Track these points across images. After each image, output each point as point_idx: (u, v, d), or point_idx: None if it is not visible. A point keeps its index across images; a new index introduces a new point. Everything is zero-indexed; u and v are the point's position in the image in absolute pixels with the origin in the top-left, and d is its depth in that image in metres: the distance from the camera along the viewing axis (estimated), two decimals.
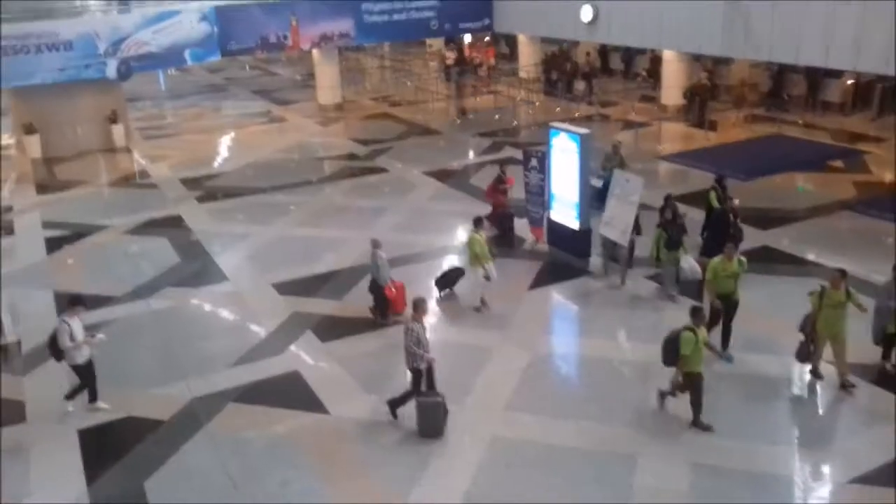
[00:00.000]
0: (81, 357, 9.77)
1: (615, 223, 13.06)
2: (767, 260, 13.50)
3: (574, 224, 13.64)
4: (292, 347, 11.56)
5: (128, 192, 19.88)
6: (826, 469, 8.56)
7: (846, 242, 14.37)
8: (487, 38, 36.14)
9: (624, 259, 13.07)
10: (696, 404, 9.13)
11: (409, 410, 9.45)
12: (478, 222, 12.70)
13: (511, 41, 36.00)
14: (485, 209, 17.09)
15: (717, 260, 10.46)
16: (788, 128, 22.91)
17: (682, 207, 13.07)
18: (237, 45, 25.25)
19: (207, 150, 24.20)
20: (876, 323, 10.15)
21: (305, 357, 11.31)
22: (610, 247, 13.31)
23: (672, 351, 9.05)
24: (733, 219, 12.89)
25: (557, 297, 12.95)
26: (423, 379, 9.49)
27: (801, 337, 9.84)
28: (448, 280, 13.05)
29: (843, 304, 9.61)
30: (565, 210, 13.79)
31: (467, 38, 35.25)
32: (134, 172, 21.95)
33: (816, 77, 24.42)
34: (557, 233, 14.14)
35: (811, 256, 13.80)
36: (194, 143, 25.00)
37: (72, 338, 9.56)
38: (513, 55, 35.11)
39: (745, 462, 8.59)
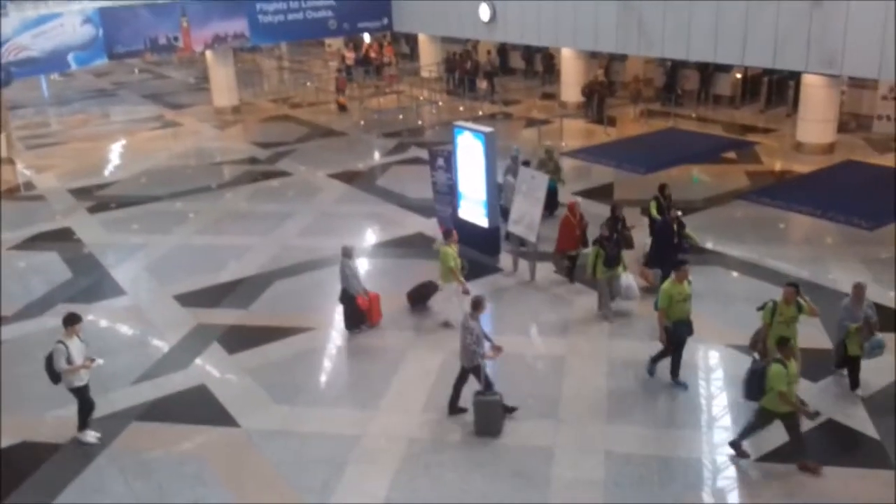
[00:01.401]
0: (79, 381, 9.09)
1: (523, 220, 13.15)
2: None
3: (483, 222, 13.67)
4: (198, 360, 11.12)
5: (12, 206, 18.71)
6: (731, 449, 8.78)
7: (742, 230, 14.97)
8: (387, 37, 36.03)
9: (533, 255, 13.18)
10: (797, 442, 8.30)
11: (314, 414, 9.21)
12: (448, 234, 11.99)
13: (412, 40, 35.99)
14: (390, 210, 17.03)
15: (668, 284, 9.65)
16: (683, 121, 23.76)
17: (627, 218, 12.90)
18: (124, 48, 24.25)
19: (97, 159, 23.12)
20: (835, 345, 9.78)
21: (212, 370, 10.90)
22: (517, 243, 13.40)
23: (756, 385, 8.19)
24: (677, 229, 12.40)
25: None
26: (481, 376, 9.22)
27: (754, 355, 9.35)
28: (421, 294, 12.44)
29: (795, 319, 9.16)
30: (474, 208, 13.81)
31: (366, 37, 35.07)
32: (18, 184, 20.72)
33: (708, 72, 25.39)
34: (467, 231, 14.12)
35: (709, 245, 14.28)
36: (83, 152, 23.85)
37: (69, 360, 8.88)
38: (413, 55, 35.09)
39: (657, 448, 8.77)
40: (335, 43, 40.52)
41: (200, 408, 9.94)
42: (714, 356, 10.64)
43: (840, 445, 8.73)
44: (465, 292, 11.34)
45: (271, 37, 29.19)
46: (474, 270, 13.55)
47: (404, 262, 14.23)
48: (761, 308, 9.37)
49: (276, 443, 9.16)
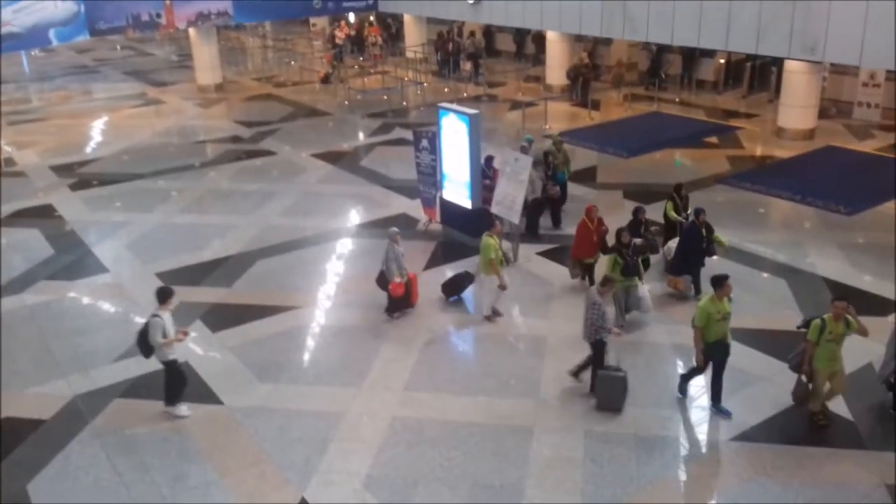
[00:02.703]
0: (173, 354, 9.14)
1: (507, 202, 13.22)
2: (649, 232, 13.99)
3: (467, 203, 13.74)
4: None
5: None
6: (708, 429, 8.98)
7: (722, 214, 15.06)
8: (372, 18, 35.82)
9: (515, 237, 13.27)
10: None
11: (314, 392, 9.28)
12: (490, 225, 11.58)
13: (397, 21, 35.79)
14: (374, 191, 17.05)
15: (706, 301, 8.82)
16: (666, 105, 23.88)
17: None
18: (106, 24, 23.98)
19: (79, 136, 22.94)
20: (882, 370, 9.26)
21: (195, 348, 10.90)
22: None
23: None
24: (705, 233, 11.75)
25: (452, 275, 13.01)
26: (603, 352, 9.28)
27: (801, 377, 8.83)
28: (455, 285, 12.08)
29: (843, 337, 8.52)
30: (457, 190, 13.86)
31: (351, 17, 34.86)
32: None
33: (691, 57, 25.48)
34: (450, 212, 14.21)
35: None
36: (64, 128, 23.64)
37: (164, 334, 8.89)
38: (399, 35, 34.92)
39: (634, 427, 8.92)
40: (320, 22, 40.25)
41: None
42: (678, 333, 10.75)
43: (813, 425, 8.91)
44: (503, 287, 11.13)
45: (255, 15, 28.97)
46: (458, 252, 13.66)
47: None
48: (804, 326, 8.72)
49: (260, 420, 9.23)
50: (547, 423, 9.02)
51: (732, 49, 19.83)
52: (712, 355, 8.90)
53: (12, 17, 21.34)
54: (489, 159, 14.44)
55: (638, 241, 11.40)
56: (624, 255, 10.77)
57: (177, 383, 9.32)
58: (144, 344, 9.07)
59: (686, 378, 9.39)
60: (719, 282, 8.79)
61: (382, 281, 11.45)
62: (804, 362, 8.62)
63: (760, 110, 23.00)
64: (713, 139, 20.37)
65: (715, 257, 12.13)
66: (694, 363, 9.17)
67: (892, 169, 16.91)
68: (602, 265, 11.53)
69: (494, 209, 13.46)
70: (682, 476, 8.22)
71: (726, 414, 8.99)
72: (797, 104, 19.63)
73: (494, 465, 8.37)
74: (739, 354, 10.13)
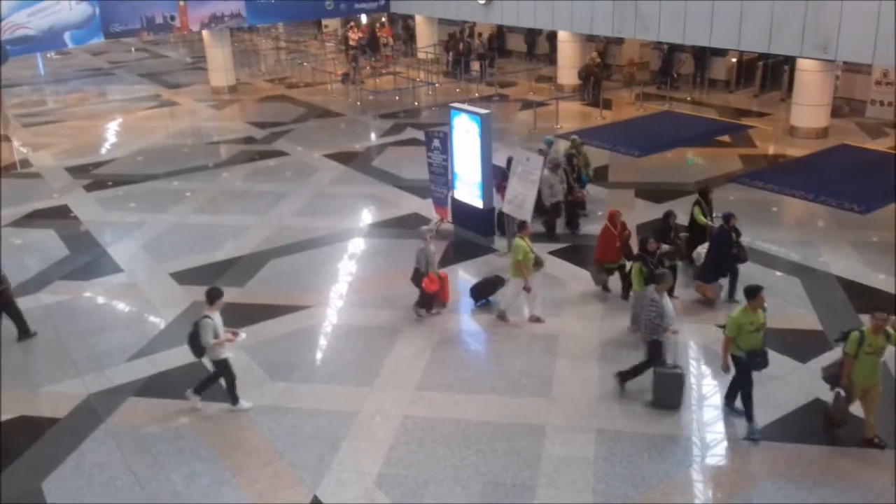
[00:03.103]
0: (224, 353, 9.26)
1: (518, 201, 13.24)
2: (663, 232, 13.95)
3: (478, 203, 13.76)
4: None
5: (8, 183, 18.72)
6: (721, 428, 8.95)
7: (735, 213, 14.97)
8: (384, 19, 35.91)
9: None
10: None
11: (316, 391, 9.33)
12: (522, 226, 11.37)
13: (409, 22, 35.85)
14: (386, 191, 17.09)
15: (739, 313, 8.54)
16: (678, 105, 23.81)
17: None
18: (121, 27, 24.19)
19: (94, 137, 23.12)
20: None
21: None
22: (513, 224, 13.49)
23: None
24: (735, 238, 11.51)
25: (463, 275, 13.04)
26: (661, 351, 9.22)
27: (837, 391, 8.50)
28: (485, 289, 11.90)
29: (883, 350, 8.21)
30: (469, 189, 13.89)
31: (363, 18, 34.96)
32: (14, 162, 20.72)
33: (703, 56, 25.40)
34: (462, 212, 14.24)
35: None
36: (79, 130, 23.84)
37: (215, 334, 9.00)
38: (411, 36, 34.98)
39: (647, 425, 8.92)
40: (332, 23, 40.38)
41: (197, 384, 10.04)
42: (704, 336, 10.75)
43: (828, 425, 8.87)
44: (527, 289, 11.03)
45: (268, 17, 29.10)
46: (469, 250, 13.69)
47: (400, 243, 14.32)
48: (842, 339, 8.34)
49: (272, 419, 9.28)
50: (559, 423, 9.03)
51: (744, 48, 19.77)
52: (750, 365, 8.61)
53: (28, 20, 21.57)
54: (511, 161, 14.25)
55: (667, 246, 11.20)
56: (648, 264, 10.37)
57: (230, 380, 9.38)
58: (195, 344, 9.15)
59: (730, 396, 9.09)
60: (752, 293, 8.53)
61: (417, 278, 11.49)
62: (842, 376, 8.27)
63: (773, 109, 22.89)
64: (725, 138, 20.29)
65: (747, 262, 11.77)
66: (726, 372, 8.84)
67: None
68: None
69: (506, 208, 13.50)
70: (695, 475, 8.21)
71: (757, 433, 8.66)
72: (810, 103, 19.53)
73: (506, 463, 8.38)
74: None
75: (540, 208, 13.91)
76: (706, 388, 9.67)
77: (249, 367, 10.39)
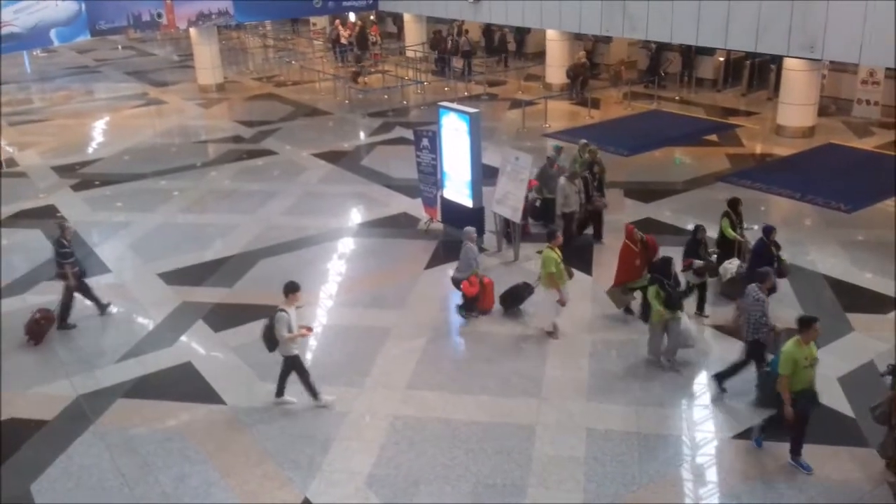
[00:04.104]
0: (296, 349, 9.21)
1: (507, 201, 13.26)
2: (652, 231, 13.93)
3: (468, 202, 13.76)
4: (183, 338, 11.18)
5: None
6: (712, 427, 8.99)
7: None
8: (372, 17, 35.84)
9: (517, 235, 13.30)
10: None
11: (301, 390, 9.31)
12: (551, 236, 10.85)
13: (398, 20, 35.81)
14: (375, 190, 17.07)
15: (792, 345, 7.80)
16: (666, 104, 23.89)
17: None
18: (107, 24, 24.02)
19: (81, 136, 22.98)
20: None
21: (197, 347, 10.96)
22: (503, 224, 13.51)
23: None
24: (776, 252, 10.92)
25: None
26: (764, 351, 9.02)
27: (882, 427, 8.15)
28: (514, 297, 11.54)
29: None
30: (458, 188, 13.88)
31: (352, 16, 34.86)
32: (0, 161, 20.55)
33: (691, 55, 25.49)
34: (452, 211, 14.23)
35: (690, 226, 14.34)
36: (66, 129, 23.67)
37: (289, 328, 8.94)
38: (400, 34, 34.92)
39: (636, 425, 8.94)
40: (320, 21, 40.25)
41: (186, 385, 10.02)
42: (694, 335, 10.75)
43: (816, 423, 8.91)
44: (561, 303, 10.67)
45: (255, 15, 29.01)
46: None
47: (389, 242, 14.34)
48: (890, 373, 8.01)
49: (262, 420, 9.26)
50: (549, 422, 9.04)
51: (732, 47, 19.87)
52: (799, 407, 7.93)
53: (13, 18, 21.37)
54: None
55: (698, 263, 10.83)
56: (665, 286, 9.71)
57: (305, 376, 9.34)
58: (269, 338, 9.10)
59: (767, 426, 8.41)
60: (807, 323, 7.81)
61: (457, 281, 11.46)
62: (891, 412, 7.85)
63: (760, 108, 23.01)
64: (713, 137, 20.38)
65: (786, 279, 11.43)
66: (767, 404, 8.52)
67: (891, 166, 16.91)
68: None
69: (495, 208, 13.51)
70: (685, 474, 8.24)
71: (806, 469, 8.07)
72: (797, 102, 19.64)
73: (497, 463, 8.39)
74: (741, 352, 10.17)
75: (547, 214, 13.88)
76: (696, 388, 9.71)
77: (239, 368, 10.36)
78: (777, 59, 21.54)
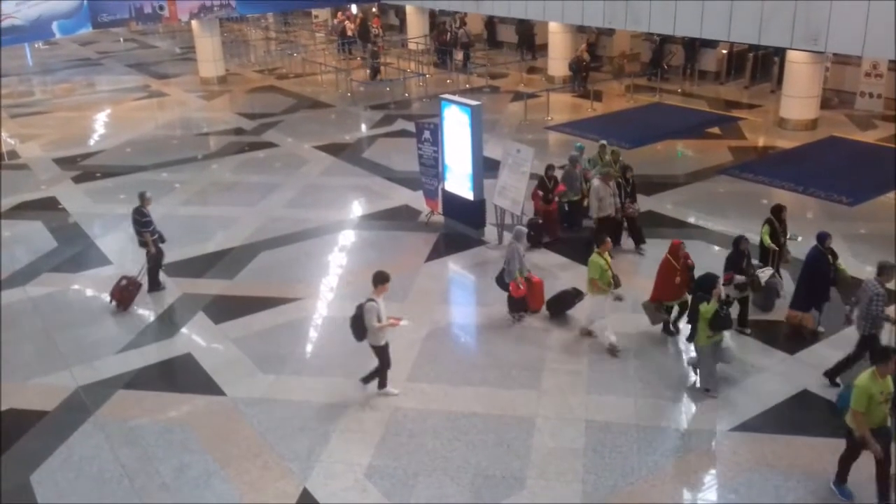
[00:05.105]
0: (384, 339, 9.21)
1: (507, 193, 13.24)
2: (653, 224, 13.99)
3: (468, 195, 13.74)
4: (184, 330, 11.20)
5: None
6: (710, 419, 8.98)
7: (724, 205, 15.13)
8: (374, 9, 35.77)
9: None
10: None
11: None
12: (600, 241, 10.42)
13: (401, 13, 35.72)
14: (377, 183, 17.08)
15: (866, 379, 7.19)
16: (668, 96, 23.83)
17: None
18: (109, 17, 24.00)
19: (82, 128, 22.97)
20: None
21: (198, 339, 10.98)
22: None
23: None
24: (832, 261, 10.27)
25: (454, 267, 13.05)
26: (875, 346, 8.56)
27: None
28: (562, 302, 11.18)
29: None
30: (459, 181, 13.87)
31: (354, 8, 34.80)
32: (2, 153, 20.54)
33: (693, 47, 25.40)
34: (452, 204, 14.22)
35: (692, 219, 14.44)
36: (67, 121, 23.67)
37: (378, 318, 8.94)
38: (402, 27, 34.86)
39: (635, 417, 8.95)
40: (322, 13, 40.19)
41: (186, 376, 10.05)
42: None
43: (814, 416, 8.94)
44: (618, 298, 10.54)
45: (258, 7, 28.92)
46: (460, 242, 13.68)
47: (390, 235, 14.33)
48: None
49: (262, 411, 9.27)
50: (549, 414, 9.05)
51: (735, 39, 19.77)
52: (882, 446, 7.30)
53: (15, 10, 21.35)
54: (550, 168, 13.79)
55: (740, 277, 10.26)
56: (722, 306, 9.11)
57: (385, 367, 9.39)
58: (357, 327, 9.11)
59: (845, 466, 7.70)
60: (885, 356, 7.24)
61: (502, 281, 11.14)
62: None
63: (763, 101, 22.94)
64: (715, 130, 20.33)
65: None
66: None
67: (894, 159, 16.85)
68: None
69: (497, 201, 13.49)
70: (684, 466, 8.24)
71: (846, 497, 7.63)
72: (799, 94, 19.57)
73: (496, 455, 8.40)
74: (740, 344, 10.18)
75: (572, 217, 13.69)
76: (694, 380, 9.70)
77: (239, 359, 10.38)
78: (780, 52, 21.46)
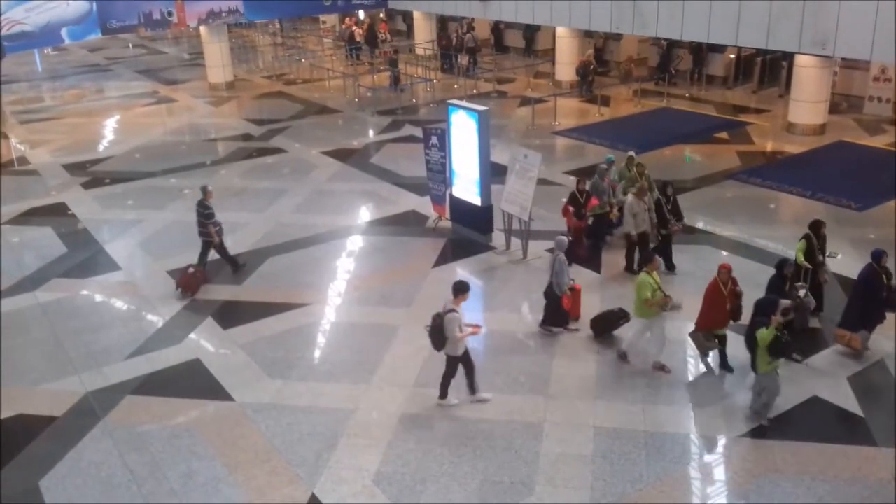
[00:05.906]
0: (462, 349, 9.15)
1: (515, 199, 13.23)
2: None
3: (476, 200, 13.74)
4: (192, 335, 11.22)
5: (5, 180, 18.69)
6: (718, 425, 8.95)
7: (732, 210, 15.09)
8: (382, 15, 35.88)
9: (525, 234, 13.27)
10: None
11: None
12: (647, 260, 9.93)
13: (408, 18, 35.82)
14: (384, 188, 17.10)
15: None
16: (676, 101, 23.79)
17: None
18: (118, 23, 24.10)
19: (91, 134, 23.08)
20: None
21: (206, 345, 11.00)
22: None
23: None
24: (887, 280, 9.76)
25: (462, 272, 13.01)
26: None
27: None
28: (607, 322, 10.76)
29: None
30: (467, 186, 13.87)
31: (361, 14, 34.89)
32: (11, 159, 20.68)
33: (701, 52, 25.38)
34: (460, 209, 14.23)
35: (700, 224, 14.40)
36: (77, 127, 23.79)
37: (460, 328, 8.92)
38: (410, 32, 34.93)
39: (644, 424, 8.92)
40: (330, 19, 40.31)
41: (195, 382, 10.06)
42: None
43: (824, 422, 8.90)
44: (675, 307, 9.91)
45: (266, 13, 29.05)
46: (467, 248, 13.68)
47: (398, 240, 14.34)
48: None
49: (270, 416, 9.28)
50: (557, 420, 9.02)
51: (743, 44, 19.76)
52: None
53: (25, 16, 21.49)
54: (581, 181, 13.41)
55: (785, 302, 9.23)
56: (783, 332, 8.58)
57: (450, 376, 9.31)
58: (437, 337, 9.03)
59: None
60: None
61: (551, 294, 10.73)
62: None
63: (771, 105, 22.89)
64: (723, 134, 20.29)
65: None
66: None
67: None
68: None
69: (504, 206, 13.48)
70: (693, 473, 8.21)
71: None
72: (808, 99, 19.52)
73: (504, 461, 8.38)
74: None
75: (598, 231, 13.39)
76: (702, 387, 9.66)
77: (247, 365, 10.39)
78: (788, 56, 21.41)
